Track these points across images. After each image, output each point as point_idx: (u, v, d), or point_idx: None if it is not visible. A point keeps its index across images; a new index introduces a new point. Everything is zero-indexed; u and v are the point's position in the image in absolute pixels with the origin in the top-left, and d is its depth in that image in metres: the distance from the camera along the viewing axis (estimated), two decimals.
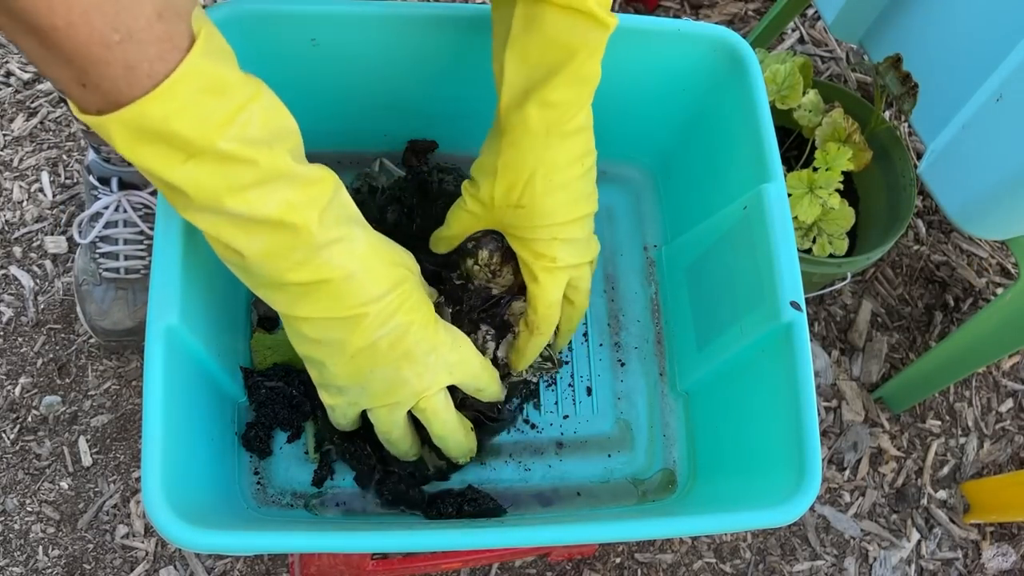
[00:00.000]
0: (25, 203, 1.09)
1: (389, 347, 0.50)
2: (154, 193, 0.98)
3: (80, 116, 0.39)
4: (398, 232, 0.65)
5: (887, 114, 1.07)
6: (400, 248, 0.53)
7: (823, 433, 1.10)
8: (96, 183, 0.96)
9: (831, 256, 0.99)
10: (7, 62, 1.18)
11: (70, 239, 1.07)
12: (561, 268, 0.57)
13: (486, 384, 0.57)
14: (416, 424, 0.56)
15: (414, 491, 0.61)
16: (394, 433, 0.54)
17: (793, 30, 1.35)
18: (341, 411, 0.54)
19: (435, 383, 0.52)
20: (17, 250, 1.07)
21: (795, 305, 0.56)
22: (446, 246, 0.62)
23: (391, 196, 0.67)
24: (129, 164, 0.94)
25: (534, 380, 0.65)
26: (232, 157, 0.41)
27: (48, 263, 1.06)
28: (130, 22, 0.36)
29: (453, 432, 0.55)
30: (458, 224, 0.60)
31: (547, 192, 0.54)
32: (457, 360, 0.53)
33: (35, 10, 0.34)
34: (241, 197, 0.42)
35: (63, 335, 1.03)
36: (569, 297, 0.60)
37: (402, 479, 0.61)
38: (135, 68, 0.37)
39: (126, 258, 0.97)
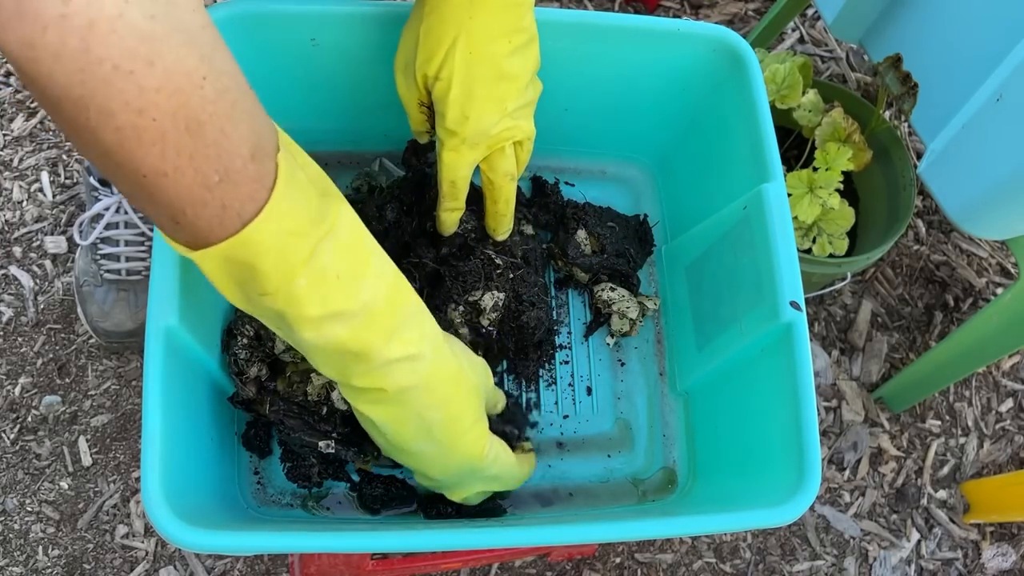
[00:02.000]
0: (25, 203, 1.09)
1: (427, 459, 0.52)
2: None
3: (173, 246, 0.40)
4: (397, 229, 0.65)
5: (887, 114, 1.07)
6: (468, 355, 0.54)
7: (823, 433, 1.10)
8: (97, 184, 0.96)
9: (831, 256, 0.99)
10: (7, 62, 1.18)
11: (70, 239, 1.07)
12: (468, 148, 0.55)
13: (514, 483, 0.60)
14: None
15: (395, 488, 0.61)
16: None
17: (793, 30, 1.35)
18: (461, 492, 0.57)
19: (473, 489, 0.56)
20: (17, 250, 1.07)
21: (795, 305, 0.56)
22: (424, 135, 0.62)
23: (390, 194, 0.67)
24: None
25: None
26: (304, 297, 0.42)
27: (48, 263, 1.06)
28: (228, 163, 0.37)
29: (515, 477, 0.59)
30: (408, 105, 0.59)
31: (467, 65, 0.52)
32: (496, 472, 0.56)
33: (147, 157, 0.34)
34: (309, 327, 0.43)
35: (63, 335, 1.03)
36: (487, 176, 0.59)
37: (376, 483, 0.61)
38: (228, 208, 0.38)
39: (127, 259, 0.97)
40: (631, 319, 0.68)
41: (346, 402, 0.56)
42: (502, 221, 0.64)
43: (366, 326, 0.44)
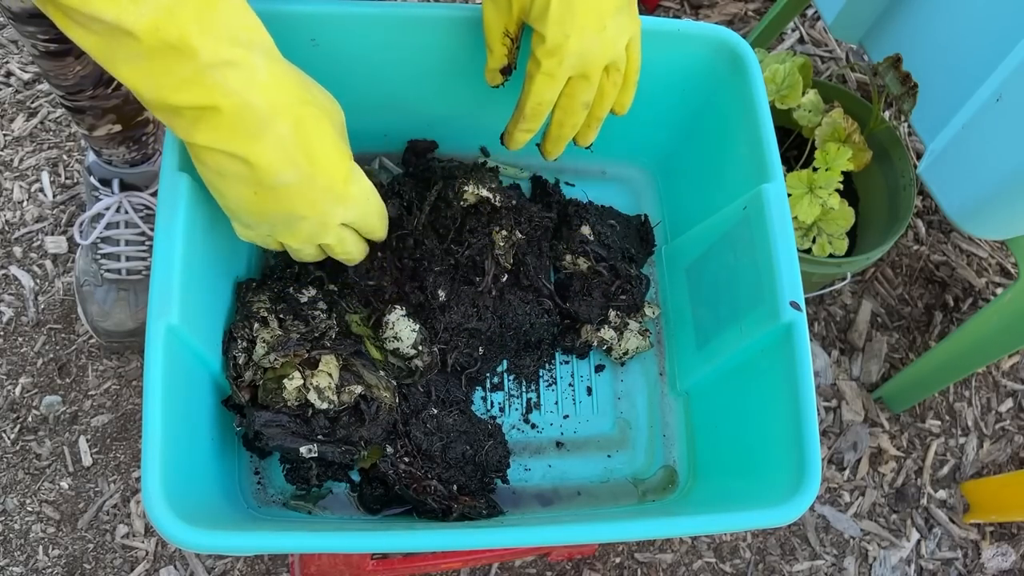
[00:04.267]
0: (25, 203, 1.09)
1: (291, 193, 0.49)
2: (155, 194, 0.98)
3: None
4: (398, 226, 0.65)
5: (887, 114, 1.07)
6: (316, 86, 0.52)
7: (823, 433, 1.10)
8: (97, 184, 0.96)
9: (831, 256, 0.99)
10: (7, 62, 1.18)
11: (70, 239, 1.07)
12: (565, 70, 0.54)
13: (377, 230, 0.58)
14: None
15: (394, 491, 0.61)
16: (308, 260, 0.56)
17: (793, 30, 1.35)
18: (261, 242, 0.55)
19: (333, 226, 0.53)
20: (17, 250, 1.07)
21: (795, 305, 0.56)
22: (496, 76, 0.60)
23: (391, 190, 0.67)
24: (131, 166, 0.94)
25: None
26: None
27: (48, 263, 1.06)
28: None
29: (356, 257, 0.58)
30: (491, 35, 0.57)
31: None
32: (360, 212, 0.54)
33: None
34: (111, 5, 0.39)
35: (63, 335, 1.03)
36: (564, 100, 0.57)
37: (375, 483, 0.61)
38: None
39: (127, 259, 0.97)
40: (629, 349, 0.68)
41: (325, 400, 0.56)
42: (559, 144, 0.62)
43: (186, 3, 0.41)
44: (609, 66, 0.57)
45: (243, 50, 0.44)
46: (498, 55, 0.58)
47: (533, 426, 0.66)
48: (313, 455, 0.57)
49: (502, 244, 0.65)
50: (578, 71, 0.55)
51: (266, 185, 0.48)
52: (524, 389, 0.67)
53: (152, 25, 0.40)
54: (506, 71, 0.59)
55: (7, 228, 1.08)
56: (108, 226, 0.96)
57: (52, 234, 1.08)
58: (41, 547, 0.94)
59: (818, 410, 1.10)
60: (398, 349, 0.62)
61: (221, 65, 0.43)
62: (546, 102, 0.57)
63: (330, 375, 0.57)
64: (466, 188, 0.65)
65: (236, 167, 0.47)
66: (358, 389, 0.58)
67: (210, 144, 0.46)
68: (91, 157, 0.96)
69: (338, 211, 0.52)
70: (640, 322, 0.68)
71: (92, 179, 0.96)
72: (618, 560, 1.00)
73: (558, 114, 0.59)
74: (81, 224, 0.99)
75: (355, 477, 0.62)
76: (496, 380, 0.67)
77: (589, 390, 0.68)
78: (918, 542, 1.06)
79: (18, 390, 1.00)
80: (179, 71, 0.42)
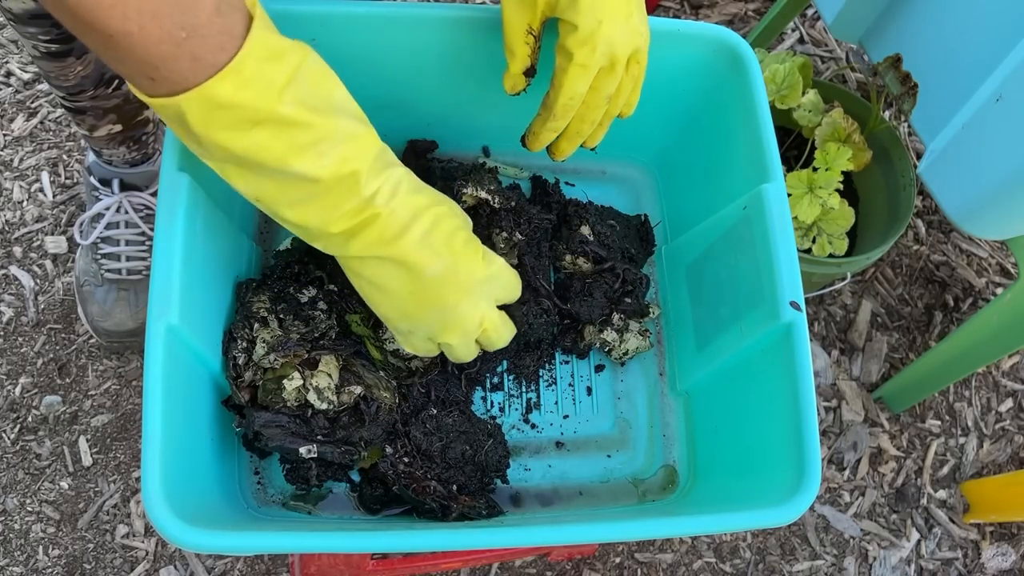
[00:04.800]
0: (25, 203, 1.09)
1: (441, 283, 0.52)
2: (155, 194, 0.98)
3: (148, 100, 0.42)
4: None
5: (887, 114, 1.07)
6: (439, 192, 0.56)
7: (823, 433, 1.10)
8: (97, 184, 0.96)
9: (831, 256, 0.99)
10: (7, 62, 1.18)
11: (70, 239, 1.07)
12: (597, 60, 0.54)
13: (517, 294, 0.60)
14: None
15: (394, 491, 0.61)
16: (467, 359, 0.58)
17: (793, 30, 1.35)
18: (424, 350, 0.57)
19: (490, 308, 0.56)
20: (17, 250, 1.07)
21: (795, 305, 0.56)
22: (519, 81, 0.59)
23: None
24: (131, 166, 0.94)
25: None
26: (291, 121, 0.44)
27: (48, 263, 1.06)
28: (193, 19, 0.40)
29: (509, 338, 0.59)
30: (513, 36, 0.56)
31: None
32: (502, 284, 0.57)
33: (109, 19, 0.38)
34: (303, 156, 0.45)
35: (63, 335, 1.03)
36: (589, 94, 0.57)
37: (375, 483, 0.61)
38: (200, 59, 0.41)
39: (128, 259, 0.97)
40: (629, 349, 0.68)
41: (325, 400, 0.56)
42: (574, 142, 0.61)
43: (353, 148, 0.47)
44: (630, 58, 0.56)
45: (389, 169, 0.50)
46: (521, 56, 0.57)
47: (533, 426, 0.66)
48: (313, 455, 0.57)
49: (502, 245, 0.65)
50: (608, 60, 0.55)
51: (418, 281, 0.52)
52: (524, 389, 0.67)
53: (334, 169, 0.46)
54: (530, 73, 0.58)
55: (7, 228, 1.08)
56: (108, 226, 0.97)
57: (52, 234, 1.08)
58: (41, 547, 0.94)
59: (818, 410, 1.10)
60: (398, 349, 0.62)
61: (377, 189, 0.49)
62: (578, 96, 0.56)
63: (330, 375, 0.57)
64: (465, 190, 0.65)
65: (389, 269, 0.51)
66: (358, 389, 0.58)
67: (363, 253, 0.50)
68: (91, 157, 0.96)
69: (484, 291, 0.55)
70: (640, 322, 0.69)
71: (92, 179, 0.96)
72: (618, 560, 1.00)
73: (580, 109, 0.58)
74: (81, 224, 0.99)
75: (355, 477, 0.62)
76: (496, 380, 0.67)
77: (589, 390, 0.68)
78: (918, 542, 1.07)
79: (18, 390, 1.00)
80: (346, 204, 0.48)
